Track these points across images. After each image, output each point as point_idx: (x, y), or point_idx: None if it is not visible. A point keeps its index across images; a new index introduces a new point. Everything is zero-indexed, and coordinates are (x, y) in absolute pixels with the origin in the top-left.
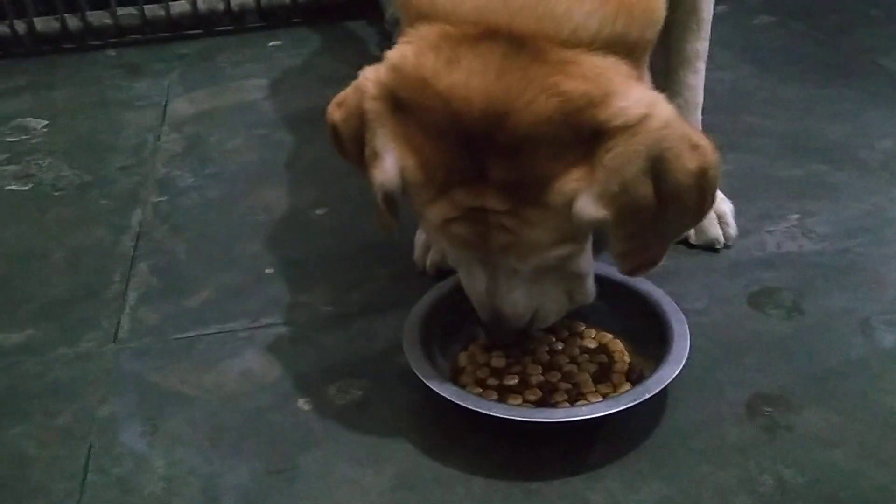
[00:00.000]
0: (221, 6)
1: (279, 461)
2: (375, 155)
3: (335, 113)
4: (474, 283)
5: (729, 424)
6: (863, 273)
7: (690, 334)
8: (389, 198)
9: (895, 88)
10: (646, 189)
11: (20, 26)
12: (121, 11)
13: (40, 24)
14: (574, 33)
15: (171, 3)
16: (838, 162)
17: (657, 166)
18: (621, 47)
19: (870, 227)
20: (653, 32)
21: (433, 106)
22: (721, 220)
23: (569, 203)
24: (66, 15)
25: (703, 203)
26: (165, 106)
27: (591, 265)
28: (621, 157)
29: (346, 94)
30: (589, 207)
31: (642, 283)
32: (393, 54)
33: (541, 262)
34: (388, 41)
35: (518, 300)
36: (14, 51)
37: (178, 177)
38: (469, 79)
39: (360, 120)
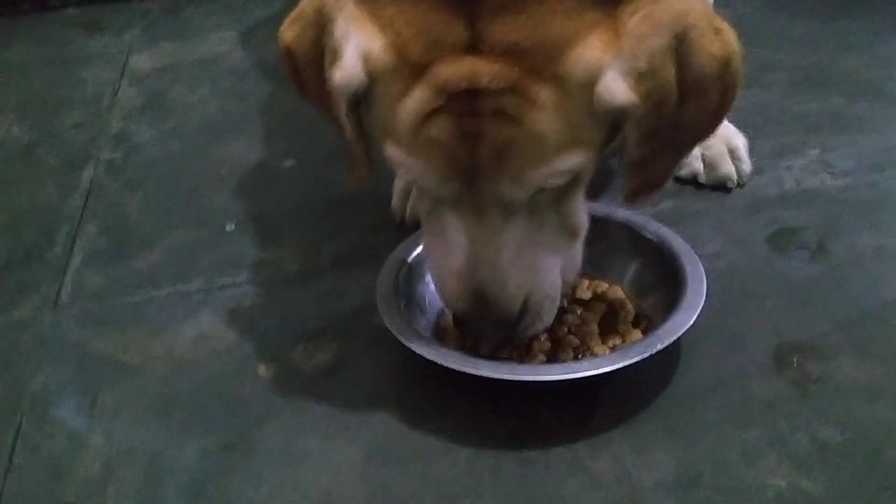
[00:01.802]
0: None
1: (234, 435)
2: (334, 53)
3: (287, 33)
4: (449, 250)
5: (754, 378)
6: (893, 207)
7: (706, 280)
8: (356, 107)
9: None
10: (670, 73)
11: None
12: None
13: None
14: None
15: None
16: (857, 94)
17: (681, 47)
18: None
19: (894, 159)
20: None
21: None
22: (733, 154)
23: (591, 79)
24: None
25: (725, 100)
26: (125, 61)
27: (586, 218)
28: (649, 25)
29: (301, 4)
30: (617, 87)
31: (648, 223)
32: None
33: (545, 178)
34: None
35: (507, 271)
36: None
37: (134, 132)
38: None
39: (317, 27)
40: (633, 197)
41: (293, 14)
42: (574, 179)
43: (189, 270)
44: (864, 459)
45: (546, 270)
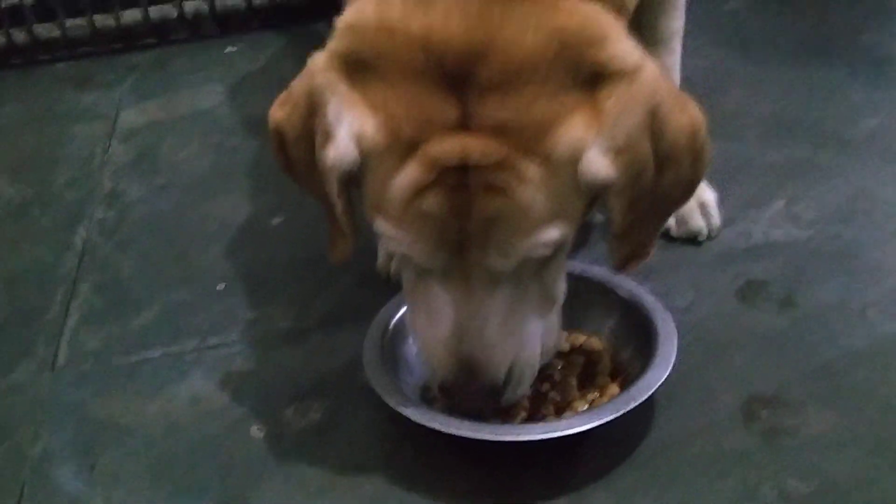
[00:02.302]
0: (174, 13)
1: (229, 496)
2: (326, 134)
3: (277, 113)
4: (435, 321)
5: (724, 431)
6: (857, 259)
7: (677, 334)
8: (347, 185)
9: (876, 66)
10: (646, 146)
11: None
12: (69, 23)
13: None
14: None
15: (121, 11)
16: (823, 143)
17: (653, 122)
18: (608, 2)
19: (860, 209)
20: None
21: (402, 50)
22: (703, 209)
23: (575, 155)
24: (11, 29)
25: (698, 168)
26: (115, 116)
27: (563, 295)
28: (623, 104)
29: (291, 86)
30: (599, 163)
31: (622, 280)
32: (345, 16)
33: (529, 250)
34: None
35: (494, 340)
36: None
37: (126, 189)
38: (447, 18)
39: (307, 108)
40: (622, 266)
41: (283, 95)
42: (555, 250)
43: (182, 330)
44: None
45: (528, 338)
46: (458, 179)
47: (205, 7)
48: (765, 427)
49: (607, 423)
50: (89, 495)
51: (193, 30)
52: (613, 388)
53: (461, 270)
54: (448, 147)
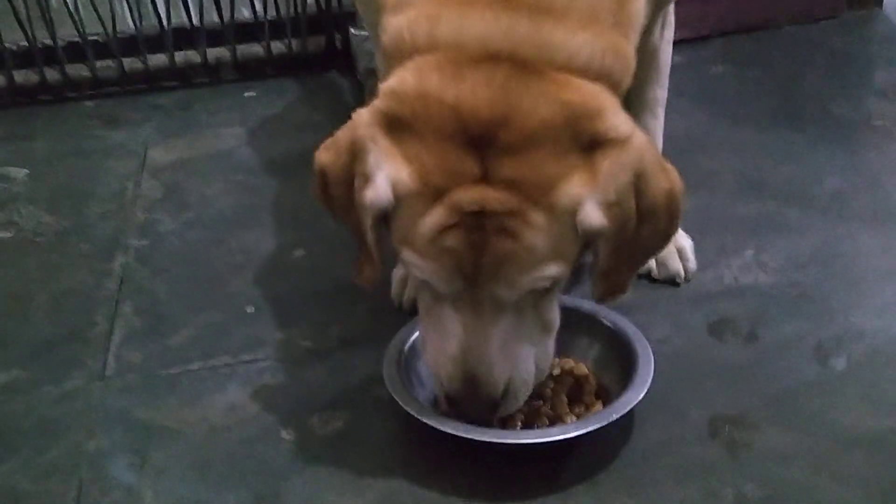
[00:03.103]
0: (198, 59)
1: (265, 489)
2: (366, 178)
3: (323, 156)
4: (446, 341)
5: (692, 443)
6: (813, 303)
7: (654, 360)
8: (379, 221)
9: (841, 131)
10: (632, 202)
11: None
12: (99, 64)
13: (19, 76)
14: (568, 61)
15: (148, 55)
16: (790, 200)
17: (639, 182)
18: (606, 82)
19: (820, 259)
20: (628, 79)
21: (437, 115)
22: (681, 255)
23: (574, 207)
24: (44, 68)
25: (672, 224)
26: (144, 154)
27: (557, 324)
28: (616, 167)
29: (336, 135)
30: (594, 214)
31: (608, 313)
32: (389, 82)
33: (532, 282)
34: (360, 91)
35: (494, 359)
36: None
37: (158, 222)
38: (475, 89)
39: (350, 154)
40: (602, 299)
41: (328, 141)
42: (552, 284)
43: (216, 348)
44: None
45: (524, 359)
46: (476, 222)
47: (226, 54)
48: (727, 441)
49: (591, 432)
50: (140, 487)
51: (215, 74)
52: (598, 406)
53: (471, 297)
54: (469, 196)
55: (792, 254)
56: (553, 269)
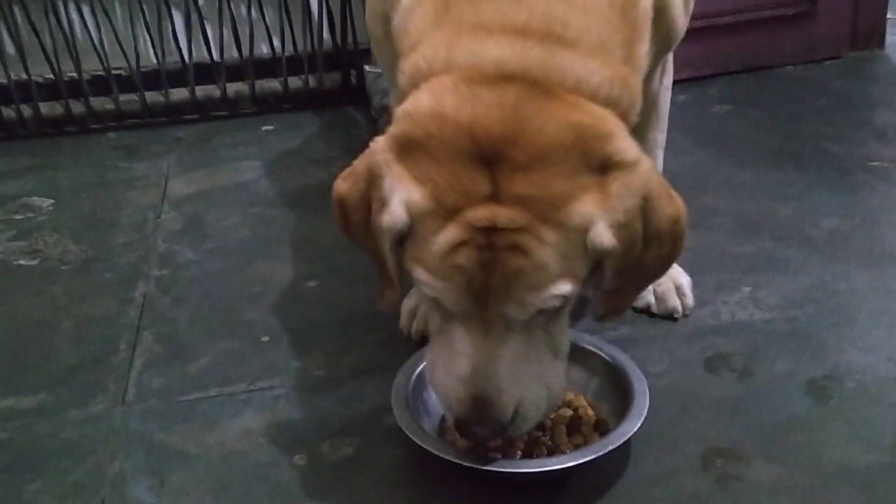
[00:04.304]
0: (217, 93)
1: None
2: (382, 202)
3: (341, 185)
4: (456, 361)
5: (685, 475)
6: (807, 339)
7: (650, 393)
8: (397, 245)
9: (839, 172)
10: (638, 226)
11: (26, 110)
12: (122, 97)
13: (45, 108)
14: (578, 85)
15: (170, 89)
16: (787, 239)
17: (646, 206)
18: (614, 109)
19: (814, 298)
20: (634, 113)
21: (449, 134)
22: (679, 291)
23: (585, 226)
24: (70, 100)
25: (676, 248)
26: (165, 186)
27: (567, 348)
28: (625, 189)
29: (354, 164)
30: (605, 234)
31: (606, 347)
32: (404, 105)
33: (543, 301)
34: (375, 126)
35: (504, 381)
36: (19, 133)
37: (178, 252)
38: (488, 109)
39: (366, 181)
40: (603, 318)
41: (346, 171)
42: (563, 304)
43: (233, 375)
44: None
45: (534, 380)
46: (487, 240)
47: (245, 89)
48: (719, 473)
49: (589, 462)
50: None
51: (234, 108)
52: (595, 437)
53: (482, 317)
54: (481, 214)
55: (787, 291)
56: (563, 288)
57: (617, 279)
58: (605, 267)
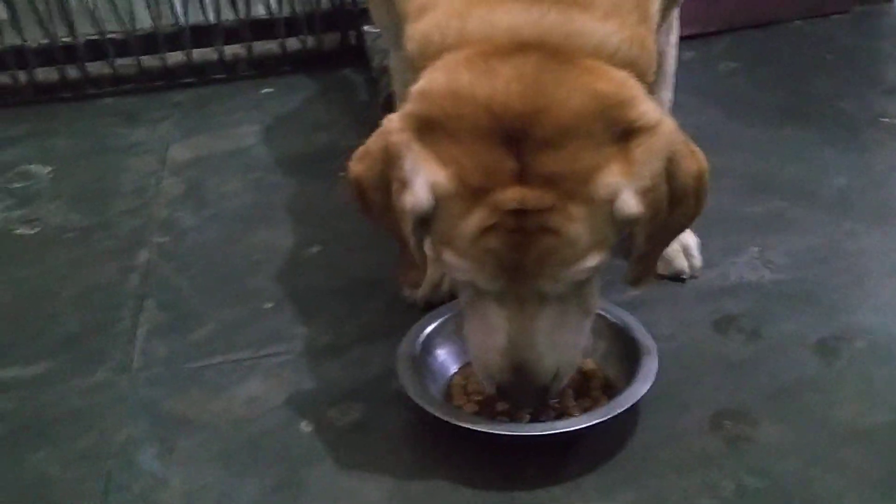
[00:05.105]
0: (215, 56)
1: (285, 478)
2: (403, 183)
3: (356, 166)
4: (493, 334)
5: (694, 437)
6: (816, 300)
7: (659, 356)
8: (420, 225)
9: (849, 129)
10: (664, 187)
11: (21, 76)
12: (118, 62)
13: (41, 74)
14: (597, 48)
15: (166, 53)
16: (796, 198)
17: (670, 167)
18: (633, 70)
19: (823, 258)
20: (651, 72)
21: (470, 113)
22: (687, 252)
23: (612, 197)
24: (65, 65)
25: (699, 205)
26: (165, 152)
27: (597, 306)
28: (649, 154)
29: (367, 144)
30: (631, 202)
31: (614, 311)
32: (419, 84)
33: (575, 274)
34: (374, 87)
35: (543, 348)
36: (15, 100)
37: (179, 219)
38: (507, 84)
39: (384, 162)
40: (637, 282)
41: (360, 151)
42: (595, 272)
43: (237, 342)
44: (778, 502)
45: (570, 344)
46: (516, 222)
47: (242, 51)
48: (728, 435)
49: (597, 425)
50: (167, 475)
51: (231, 71)
52: (603, 400)
53: (515, 292)
54: (509, 196)
55: (796, 251)
56: (595, 260)
57: (648, 243)
58: (635, 233)
